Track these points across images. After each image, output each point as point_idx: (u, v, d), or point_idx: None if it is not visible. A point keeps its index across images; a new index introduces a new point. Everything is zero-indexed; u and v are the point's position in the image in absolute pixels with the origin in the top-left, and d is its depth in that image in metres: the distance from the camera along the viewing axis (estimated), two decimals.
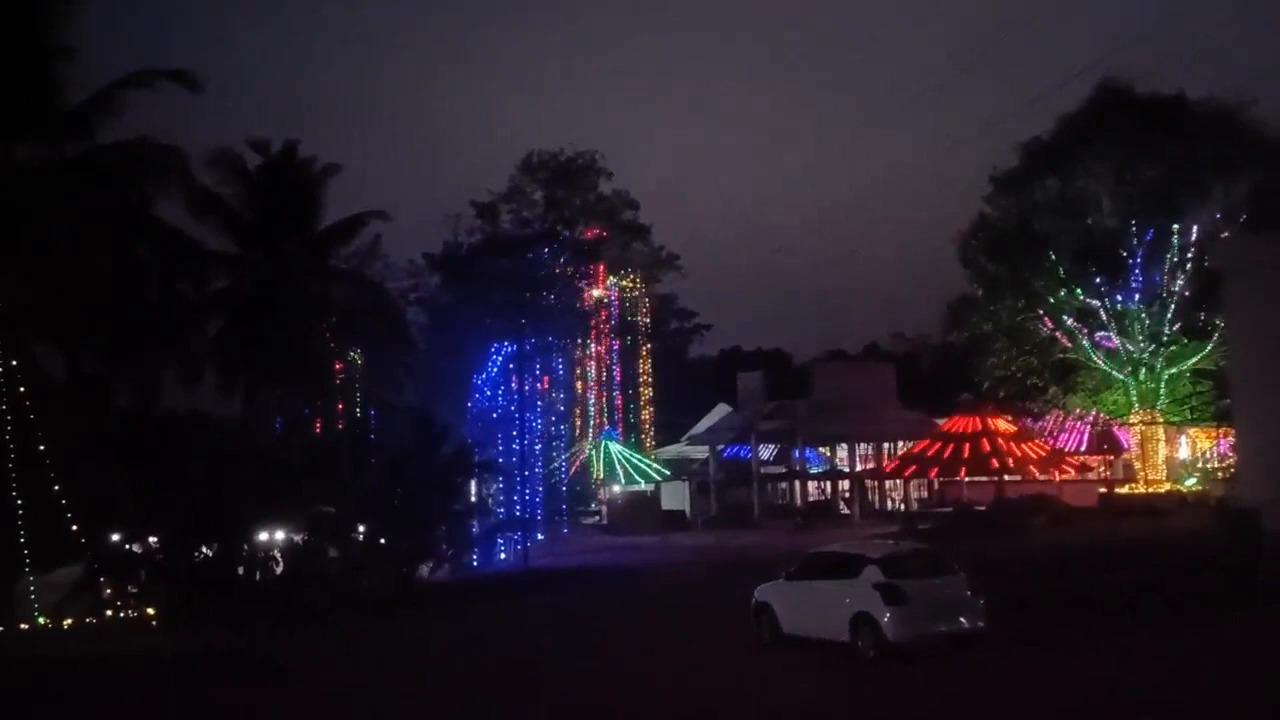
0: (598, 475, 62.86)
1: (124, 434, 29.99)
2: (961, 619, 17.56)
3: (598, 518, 61.54)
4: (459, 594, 33.01)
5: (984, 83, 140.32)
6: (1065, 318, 53.81)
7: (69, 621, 27.90)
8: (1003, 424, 49.60)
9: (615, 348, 67.67)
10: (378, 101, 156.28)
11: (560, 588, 33.64)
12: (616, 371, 67.71)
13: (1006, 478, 46.93)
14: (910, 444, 53.67)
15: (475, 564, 39.96)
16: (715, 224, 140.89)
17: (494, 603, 31.33)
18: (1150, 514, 44.14)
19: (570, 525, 57.67)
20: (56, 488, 27.17)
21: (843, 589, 18.12)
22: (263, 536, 31.19)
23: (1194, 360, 51.73)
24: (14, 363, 27.34)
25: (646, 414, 69.69)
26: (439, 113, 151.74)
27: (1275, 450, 31.38)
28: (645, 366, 69.73)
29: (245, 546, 30.93)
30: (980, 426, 48.37)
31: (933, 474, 48.86)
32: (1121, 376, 53.73)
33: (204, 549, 30.58)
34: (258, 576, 30.89)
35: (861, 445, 61.96)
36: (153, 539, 30.77)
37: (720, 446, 61.47)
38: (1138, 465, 54.36)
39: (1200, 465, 55.47)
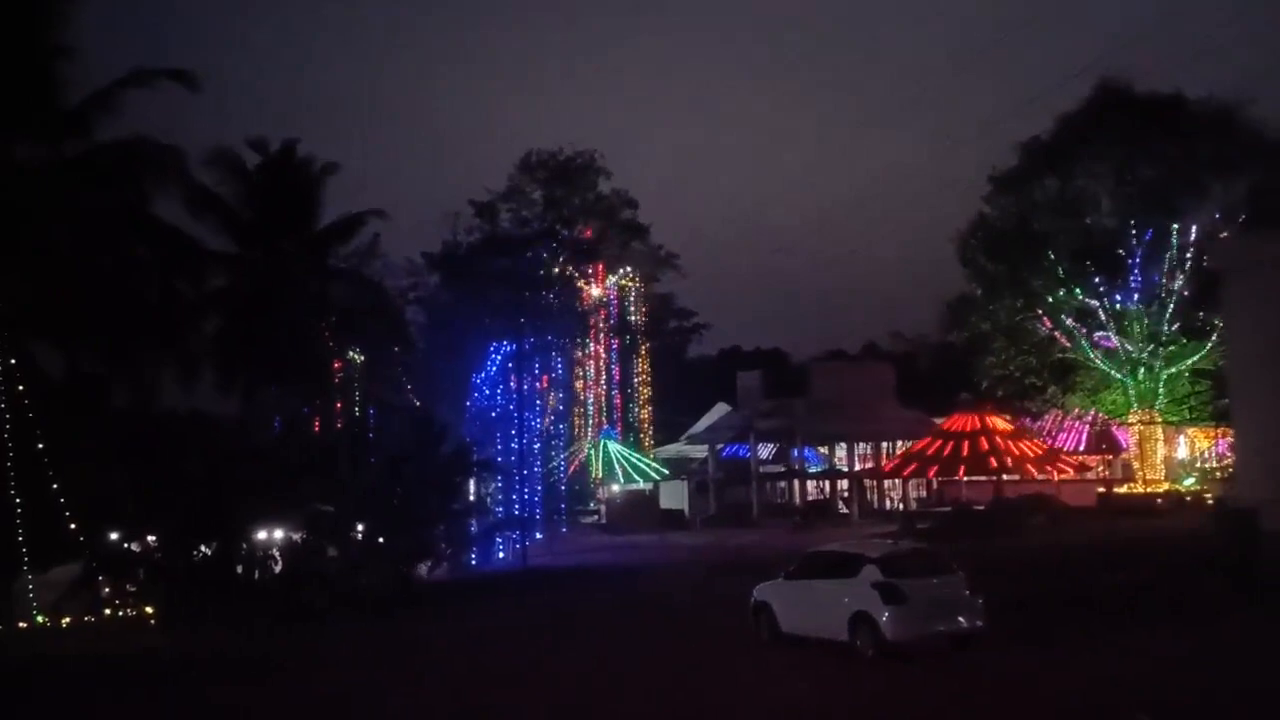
0: (596, 474, 62.80)
1: (122, 433, 29.98)
2: (960, 618, 17.57)
3: (596, 517, 61.48)
4: (457, 593, 32.99)
5: (984, 83, 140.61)
6: (1064, 317, 53.85)
7: (67, 620, 27.90)
8: (1000, 423, 49.60)
9: (614, 347, 67.63)
10: (378, 101, 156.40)
11: (559, 587, 33.62)
12: (615, 371, 67.64)
13: (1005, 477, 46.93)
14: (909, 443, 53.66)
15: (474, 563, 39.92)
16: (715, 224, 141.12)
17: (493, 602, 31.31)
18: (1148, 514, 44.17)
19: (569, 524, 57.60)
20: (55, 486, 27.16)
21: (841, 588, 18.13)
22: (261, 535, 31.16)
23: (1192, 360, 51.80)
24: (12, 361, 27.32)
25: (645, 413, 69.63)
26: (439, 113, 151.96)
27: (1274, 450, 31.45)
28: (644, 366, 69.67)
29: (244, 545, 30.88)
30: (979, 425, 48.36)
31: (932, 472, 48.80)
32: (1120, 376, 53.78)
33: (202, 548, 30.53)
34: (256, 575, 30.85)
35: (860, 444, 61.97)
36: (151, 538, 30.74)
37: (719, 446, 61.45)
38: (1136, 465, 54.42)
39: (1198, 465, 55.51)
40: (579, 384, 65.47)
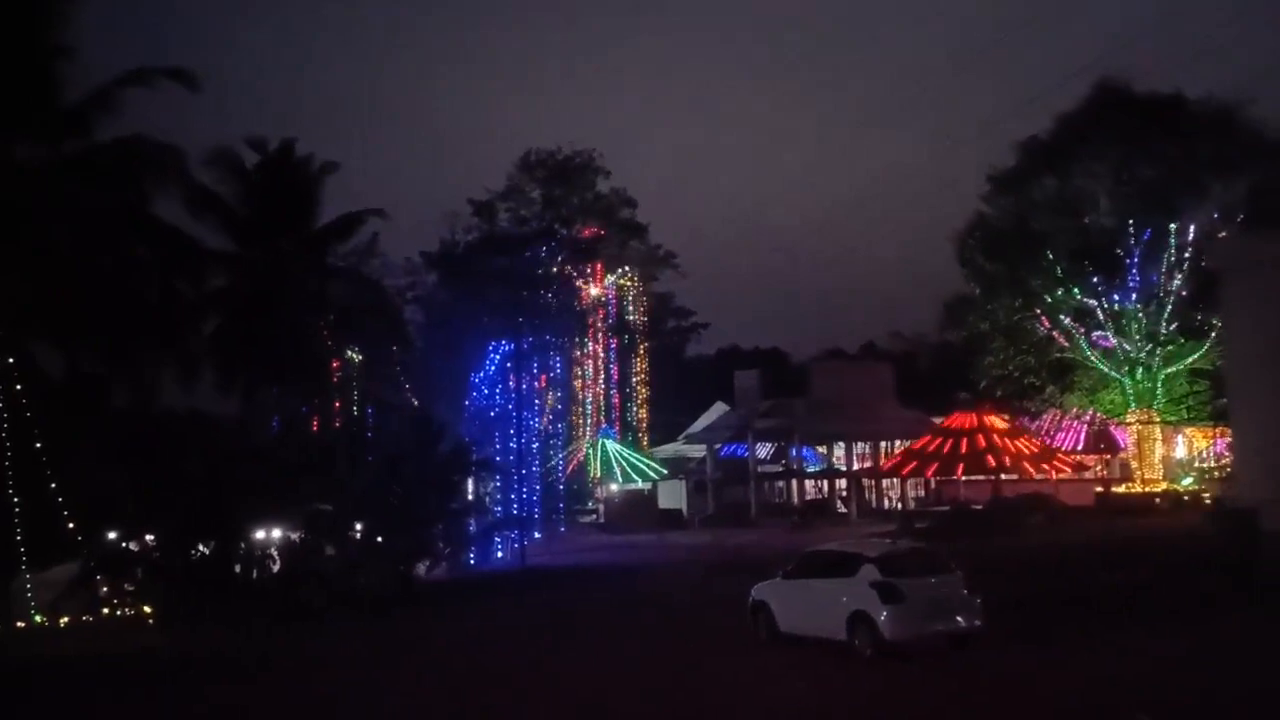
0: (595, 474, 62.81)
1: (122, 433, 29.96)
2: (958, 618, 17.58)
3: (595, 516, 61.51)
4: (456, 592, 33.00)
5: (984, 83, 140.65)
6: (1062, 317, 53.88)
7: (65, 619, 27.87)
8: (998, 421, 49.62)
9: (613, 346, 67.62)
10: (378, 101, 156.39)
11: (557, 586, 33.64)
12: (614, 370, 67.67)
13: (1003, 477, 46.95)
14: (908, 443, 53.67)
15: (472, 562, 39.93)
16: (715, 224, 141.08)
17: (491, 601, 31.31)
18: (1147, 513, 44.19)
19: (567, 524, 57.64)
20: (54, 486, 27.14)
21: (840, 588, 18.15)
22: (260, 535, 31.15)
23: (1191, 360, 51.83)
24: (11, 360, 27.30)
25: (644, 412, 69.66)
26: (439, 113, 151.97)
27: (1273, 450, 31.38)
28: (642, 365, 69.69)
29: (242, 545, 30.87)
30: (976, 423, 48.40)
31: (930, 471, 48.79)
32: (1118, 376, 53.81)
33: (201, 547, 30.53)
34: (254, 575, 30.83)
35: (859, 444, 61.97)
36: (149, 537, 30.73)
37: (717, 445, 61.46)
38: (1134, 464, 54.45)
39: (1197, 465, 55.53)
40: (577, 383, 65.47)
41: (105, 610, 28.92)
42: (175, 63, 30.11)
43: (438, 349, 49.78)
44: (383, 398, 43.15)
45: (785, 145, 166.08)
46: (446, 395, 45.99)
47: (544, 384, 56.84)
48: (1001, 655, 17.45)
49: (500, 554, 43.18)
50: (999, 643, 17.80)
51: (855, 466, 61.25)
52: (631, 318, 69.02)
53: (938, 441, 48.86)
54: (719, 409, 68.33)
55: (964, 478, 49.19)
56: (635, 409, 69.08)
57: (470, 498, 41.16)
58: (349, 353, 42.62)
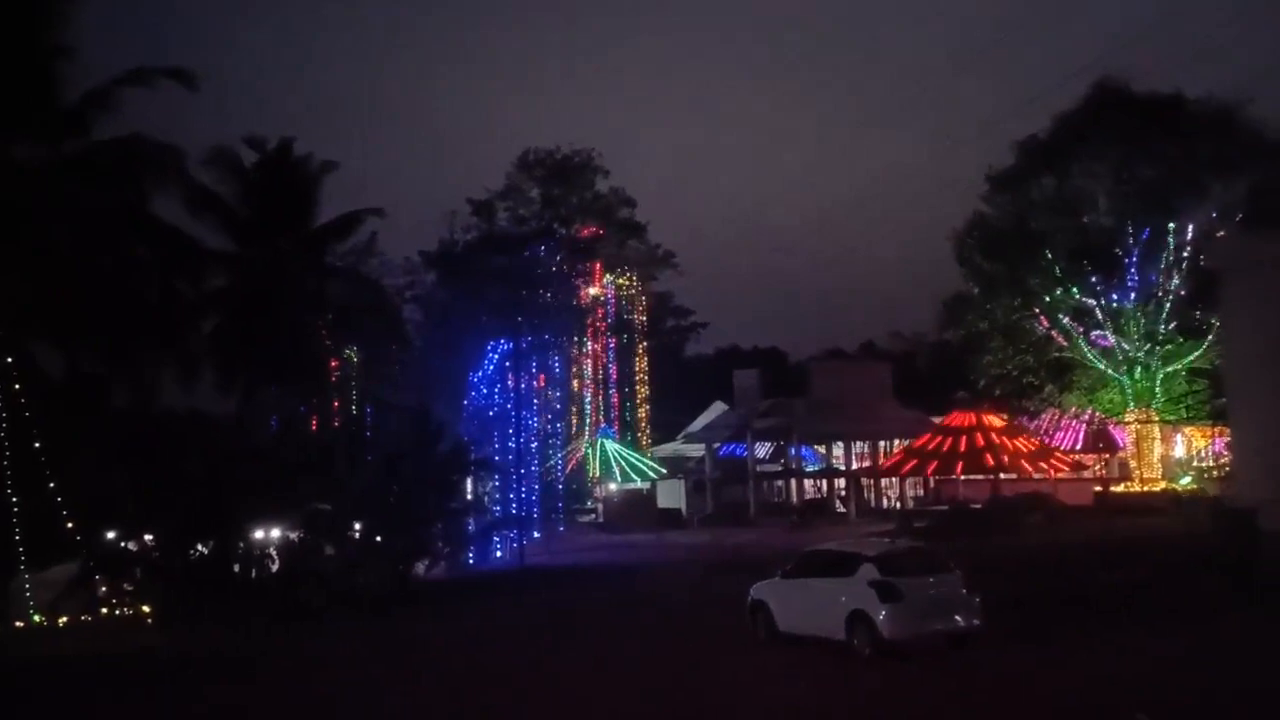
0: (594, 473, 62.80)
1: (121, 433, 29.95)
2: (957, 617, 17.60)
3: (594, 516, 61.49)
4: (455, 592, 33.00)
5: (983, 83, 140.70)
6: (1061, 316, 53.87)
7: (64, 619, 27.88)
8: (995, 420, 49.63)
9: (611, 345, 67.61)
10: (378, 101, 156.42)
11: (556, 586, 33.65)
12: (613, 369, 67.66)
13: (1002, 476, 46.94)
14: (907, 442, 53.65)
15: (471, 562, 39.92)
16: (715, 224, 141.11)
17: (490, 601, 31.31)
18: (1146, 512, 44.19)
19: (566, 523, 57.65)
20: (53, 486, 27.13)
21: (838, 587, 18.16)
22: (259, 534, 31.18)
23: (1189, 359, 51.82)
24: (11, 360, 27.28)
25: (643, 412, 69.63)
26: (439, 113, 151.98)
27: (1272, 450, 31.47)
28: (641, 364, 69.66)
29: (241, 544, 30.90)
30: (974, 421, 48.43)
31: (930, 469, 48.74)
32: (1117, 375, 53.79)
33: (200, 546, 30.55)
34: (253, 574, 30.86)
35: (858, 443, 61.91)
36: (148, 536, 30.73)
37: (716, 445, 61.43)
38: (1133, 464, 54.44)
39: (1195, 464, 55.51)
40: (576, 382, 65.46)
41: (104, 610, 28.92)
42: (175, 63, 30.14)
43: (436, 348, 49.76)
44: (381, 397, 43.16)
45: (785, 145, 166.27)
46: (445, 394, 45.96)
47: (543, 383, 56.84)
48: (1000, 654, 17.47)
49: (499, 553, 43.18)
50: (998, 642, 17.81)
51: (854, 466, 61.25)
52: (630, 317, 69.01)
53: (937, 440, 48.87)
54: (718, 408, 68.29)
55: (963, 477, 49.18)
56: (634, 408, 69.07)
57: (469, 497, 41.12)
58: (348, 352, 42.64)
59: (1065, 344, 54.43)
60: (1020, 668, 16.87)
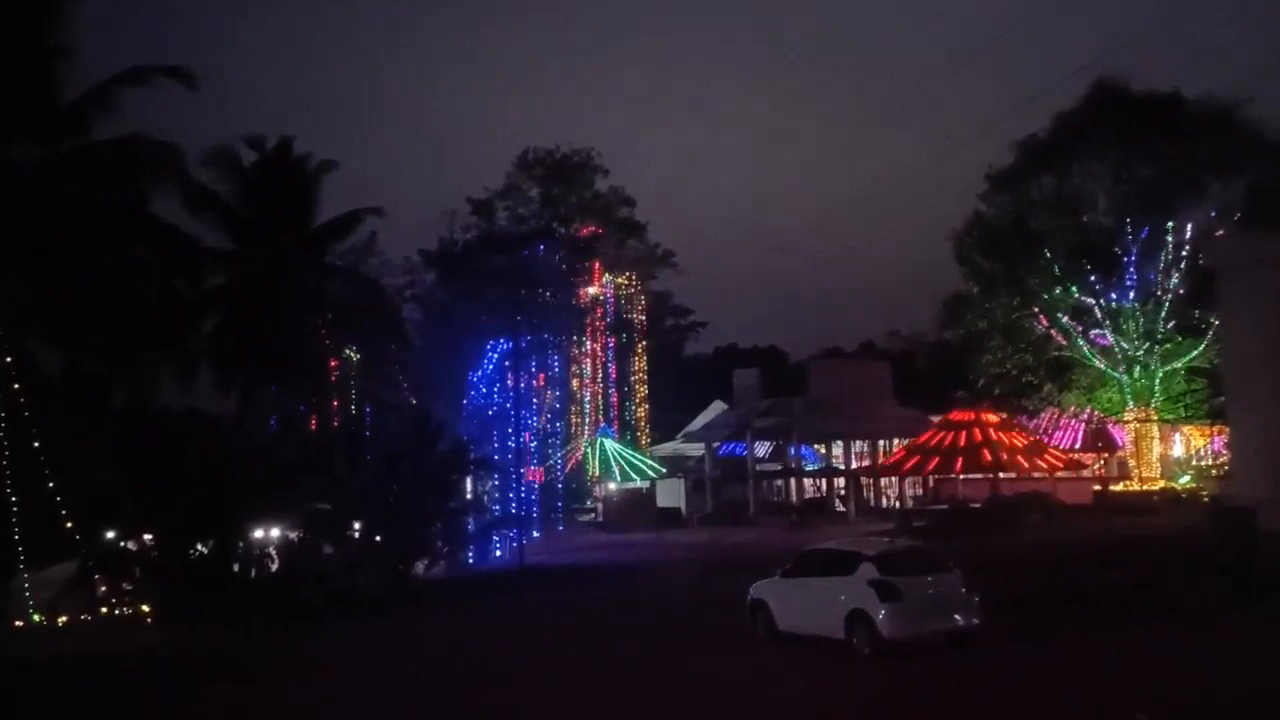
0: (593, 472, 62.79)
1: (121, 432, 29.93)
2: (957, 616, 17.60)
3: (593, 515, 61.48)
4: (454, 591, 32.97)
5: (983, 83, 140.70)
6: (1060, 315, 53.93)
7: (64, 618, 27.86)
8: (992, 417, 49.67)
9: (611, 345, 67.59)
10: (378, 101, 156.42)
11: (556, 585, 33.65)
12: (612, 368, 67.64)
13: (1001, 475, 46.97)
14: (907, 442, 53.66)
15: (471, 561, 39.87)
16: (715, 223, 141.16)
17: (490, 600, 31.32)
18: (1145, 512, 44.22)
19: (566, 522, 57.64)
20: (52, 485, 27.12)
21: (838, 586, 18.17)
22: (258, 534, 31.13)
23: (1188, 358, 51.91)
24: (10, 360, 27.27)
25: (642, 411, 69.60)
26: (439, 113, 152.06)
27: (1272, 449, 31.47)
28: (641, 364, 69.66)
29: (240, 544, 30.84)
30: (973, 417, 48.50)
31: (931, 466, 48.68)
32: (1116, 374, 53.86)
33: (199, 546, 30.52)
34: (253, 574, 30.81)
35: (857, 442, 61.93)
36: (148, 536, 30.71)
37: (716, 444, 61.42)
38: (1132, 463, 54.50)
39: (1194, 463, 55.58)
40: (576, 382, 65.44)
41: (103, 609, 28.89)
42: (175, 62, 29.93)
43: (436, 348, 49.75)
44: (381, 396, 43.14)
45: (785, 145, 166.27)
46: (445, 394, 45.97)
47: (542, 382, 56.83)
48: (1000, 654, 17.48)
49: (499, 553, 43.16)
50: (997, 641, 17.82)
51: (854, 465, 61.27)
52: (630, 316, 68.99)
53: (938, 436, 48.90)
54: (717, 408, 68.28)
55: (962, 476, 49.20)
56: (634, 407, 69.05)
57: (469, 496, 41.10)
58: (347, 351, 42.62)
59: (1064, 343, 54.50)
60: (1020, 667, 16.88)
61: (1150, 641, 18.57)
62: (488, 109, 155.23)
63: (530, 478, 51.11)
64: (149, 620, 27.99)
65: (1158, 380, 53.25)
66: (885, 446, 59.52)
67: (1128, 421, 54.38)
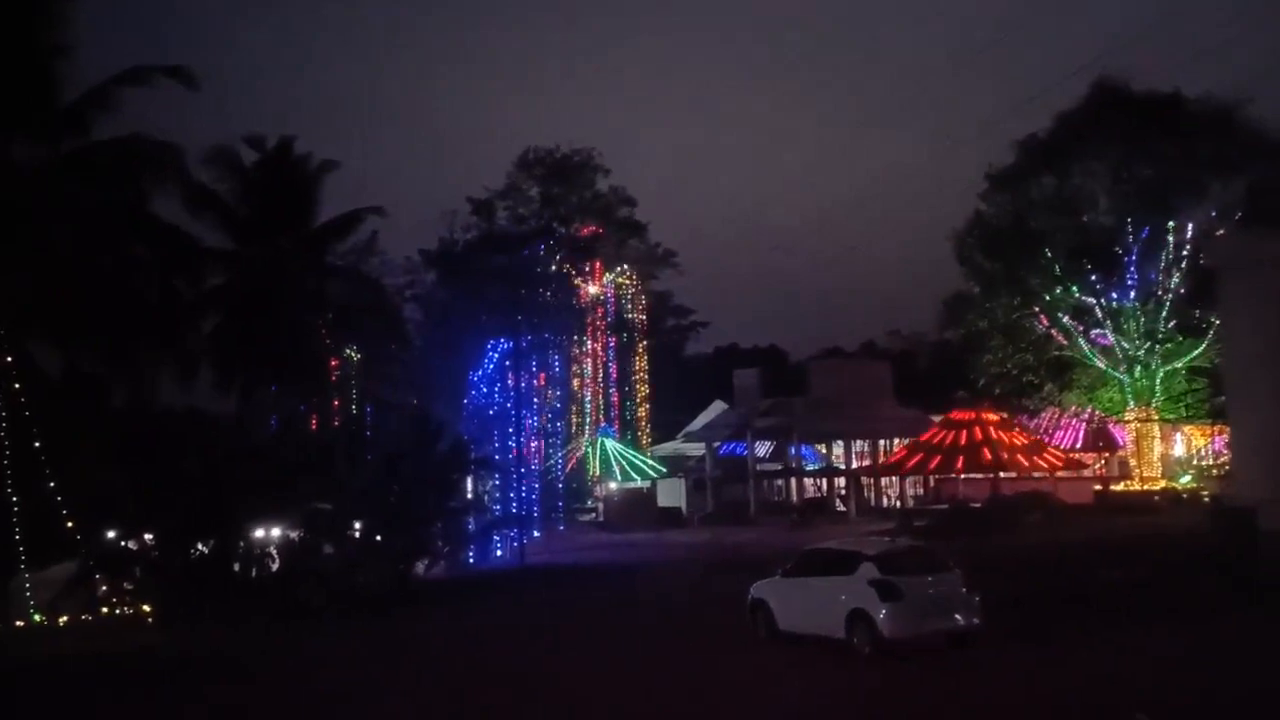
0: (594, 472, 62.77)
1: (121, 432, 29.92)
2: (957, 616, 17.60)
3: (594, 515, 61.47)
4: (455, 591, 32.97)
5: (984, 82, 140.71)
6: (1061, 315, 53.94)
7: (64, 618, 27.84)
8: (991, 415, 49.70)
9: (611, 344, 67.59)
10: (378, 101, 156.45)
11: (556, 585, 33.64)
12: (613, 368, 67.63)
13: (1002, 475, 46.97)
14: (907, 441, 53.67)
15: (471, 561, 39.86)
16: (715, 223, 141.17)
17: (490, 600, 31.31)
18: (1146, 511, 44.22)
19: (566, 522, 57.62)
20: (53, 485, 27.12)
21: (838, 586, 18.16)
22: (258, 533, 31.14)
23: (1189, 358, 51.94)
24: (10, 360, 27.27)
25: (643, 411, 69.55)
26: (439, 113, 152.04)
27: (1272, 449, 31.47)
28: (641, 363, 69.64)
29: (241, 543, 30.86)
30: (973, 417, 48.52)
31: (932, 464, 48.67)
32: (1117, 374, 53.86)
33: (200, 546, 30.52)
34: (253, 573, 30.82)
35: (858, 442, 61.95)
36: (148, 536, 30.71)
37: (716, 444, 61.41)
38: (1133, 462, 54.49)
39: (1195, 462, 55.59)
40: (576, 382, 65.43)
41: (104, 609, 28.86)
42: (175, 62, 29.91)
43: (436, 347, 49.77)
44: (381, 396, 43.17)
45: (785, 145, 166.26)
46: (445, 393, 45.98)
47: (543, 382, 56.82)
48: (1000, 654, 17.47)
49: (499, 552, 43.15)
50: (997, 641, 17.81)
51: (854, 465, 61.27)
52: (630, 316, 68.99)
53: (939, 435, 48.93)
54: (718, 407, 68.28)
55: (963, 476, 49.20)
56: (634, 407, 69.02)
57: (469, 496, 41.10)
58: (348, 351, 42.63)
59: (1065, 343, 54.52)
60: (1020, 667, 16.87)
61: (1150, 641, 18.57)
62: (488, 109, 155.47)
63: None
64: (149, 620, 27.98)
65: (1158, 380, 53.26)
66: (886, 446, 59.52)
67: (1128, 421, 54.38)
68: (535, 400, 54.54)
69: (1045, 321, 54.54)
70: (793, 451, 61.31)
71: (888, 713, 14.99)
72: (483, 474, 43.87)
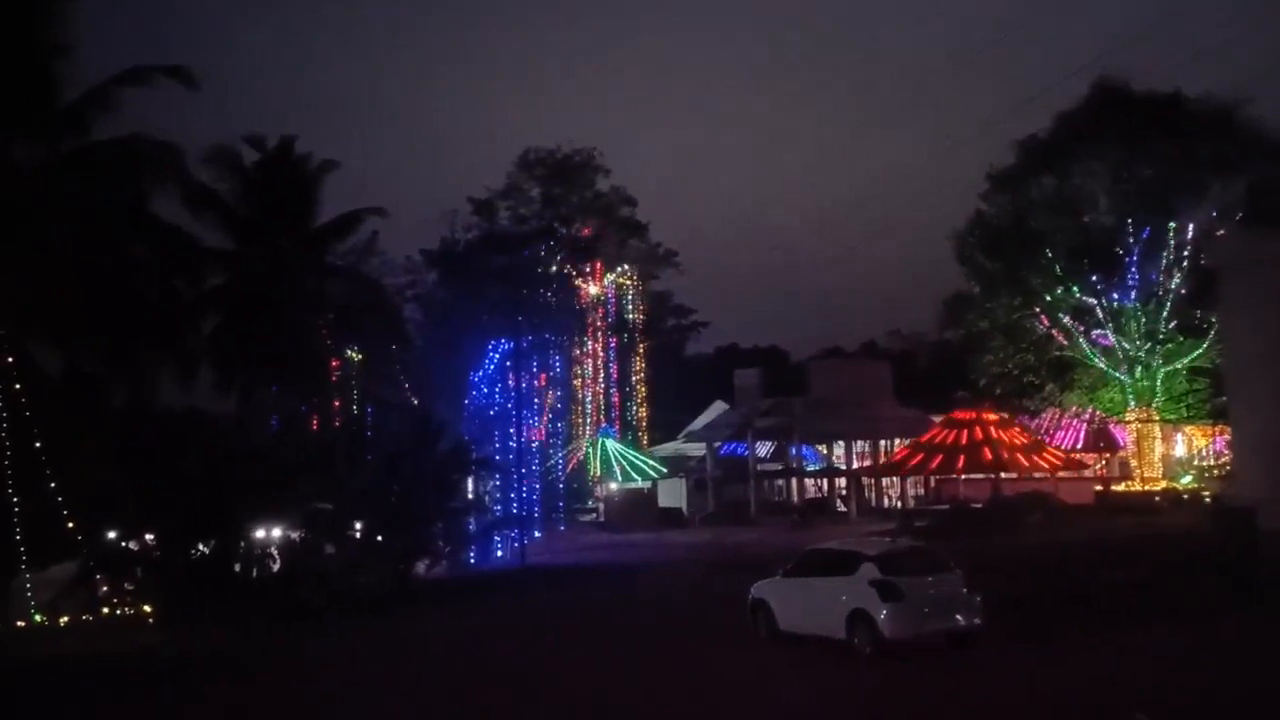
0: (595, 472, 62.79)
1: (121, 432, 29.90)
2: (958, 616, 17.58)
3: (595, 515, 61.49)
4: (455, 591, 32.96)
5: (984, 82, 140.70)
6: (1061, 315, 53.92)
7: (65, 618, 27.84)
8: (991, 415, 49.71)
9: (612, 345, 67.59)
10: (378, 101, 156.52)
11: (557, 585, 33.63)
12: (613, 368, 67.65)
13: (1003, 475, 46.97)
14: (908, 441, 53.68)
15: (472, 561, 39.88)
16: (715, 223, 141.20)
17: (491, 600, 31.30)
18: (1146, 512, 44.22)
19: (567, 522, 57.63)
20: (53, 485, 27.10)
21: (839, 586, 18.15)
22: (259, 534, 31.13)
23: (1190, 358, 51.90)
24: (10, 360, 27.26)
25: (643, 411, 69.63)
26: (439, 113, 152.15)
27: (1272, 449, 31.46)
28: (642, 364, 69.66)
29: (242, 544, 30.86)
30: (974, 417, 48.52)
31: (934, 464, 48.67)
32: (1118, 374, 53.83)
33: (200, 546, 30.52)
34: (254, 574, 30.82)
35: (858, 442, 61.97)
36: (149, 536, 30.70)
37: (717, 444, 61.43)
38: (1134, 463, 54.47)
39: (1196, 463, 55.57)
40: (577, 382, 65.44)
41: (105, 609, 28.86)
42: (175, 62, 29.88)
43: (437, 348, 49.80)
44: (382, 396, 43.13)
45: (785, 145, 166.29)
46: (446, 394, 45.99)
47: (544, 382, 56.82)
48: (1001, 654, 17.46)
49: (500, 553, 43.16)
50: (998, 641, 17.80)
51: (855, 465, 61.28)
52: (631, 316, 68.99)
53: (939, 437, 48.93)
54: (718, 407, 68.31)
55: (964, 476, 49.20)
56: (635, 407, 69.05)
57: (470, 496, 41.09)
58: (348, 351, 42.62)
59: (1066, 343, 54.50)
60: (1021, 667, 16.86)
61: (1151, 641, 18.55)
62: (488, 109, 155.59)
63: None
64: (150, 620, 27.97)
65: (1159, 380, 53.24)
66: (886, 446, 59.52)
67: (1129, 421, 54.36)
68: (536, 400, 54.52)
69: (1046, 322, 54.52)
70: (793, 452, 61.32)
71: (888, 713, 14.98)
72: (483, 474, 43.87)
